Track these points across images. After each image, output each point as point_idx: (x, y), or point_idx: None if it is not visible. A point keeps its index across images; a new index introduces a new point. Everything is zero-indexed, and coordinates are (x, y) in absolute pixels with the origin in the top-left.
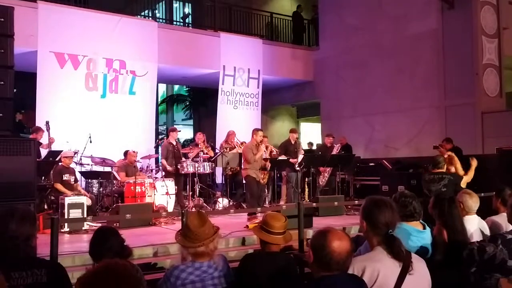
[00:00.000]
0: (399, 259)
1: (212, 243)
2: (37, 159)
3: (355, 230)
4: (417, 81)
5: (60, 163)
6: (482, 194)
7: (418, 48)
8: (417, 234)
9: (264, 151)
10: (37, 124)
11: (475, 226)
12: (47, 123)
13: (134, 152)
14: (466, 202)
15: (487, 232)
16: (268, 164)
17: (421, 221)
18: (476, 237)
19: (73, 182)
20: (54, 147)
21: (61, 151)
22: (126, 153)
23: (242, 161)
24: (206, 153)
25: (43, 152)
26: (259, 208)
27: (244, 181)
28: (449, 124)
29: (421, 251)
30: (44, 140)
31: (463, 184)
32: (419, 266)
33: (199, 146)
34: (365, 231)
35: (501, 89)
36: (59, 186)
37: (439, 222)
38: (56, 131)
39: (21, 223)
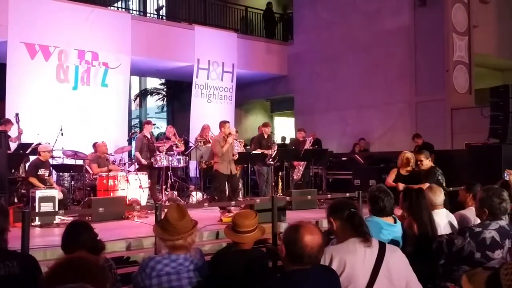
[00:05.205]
0: (364, 235)
1: (190, 236)
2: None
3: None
4: (390, 76)
5: (37, 157)
6: (451, 188)
7: (391, 44)
8: (388, 227)
9: (238, 144)
10: (6, 116)
11: (444, 219)
12: (17, 115)
13: (103, 142)
14: (429, 198)
15: (456, 225)
16: (236, 157)
17: (392, 215)
18: (445, 230)
19: (47, 176)
20: (24, 140)
21: (32, 143)
22: (95, 146)
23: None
24: (177, 147)
25: (12, 145)
26: (233, 202)
27: None
28: (420, 120)
29: (392, 244)
30: (13, 133)
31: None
32: (394, 255)
33: (171, 139)
34: (336, 227)
35: (470, 86)
36: (33, 180)
37: (408, 214)
38: (26, 124)
39: None
